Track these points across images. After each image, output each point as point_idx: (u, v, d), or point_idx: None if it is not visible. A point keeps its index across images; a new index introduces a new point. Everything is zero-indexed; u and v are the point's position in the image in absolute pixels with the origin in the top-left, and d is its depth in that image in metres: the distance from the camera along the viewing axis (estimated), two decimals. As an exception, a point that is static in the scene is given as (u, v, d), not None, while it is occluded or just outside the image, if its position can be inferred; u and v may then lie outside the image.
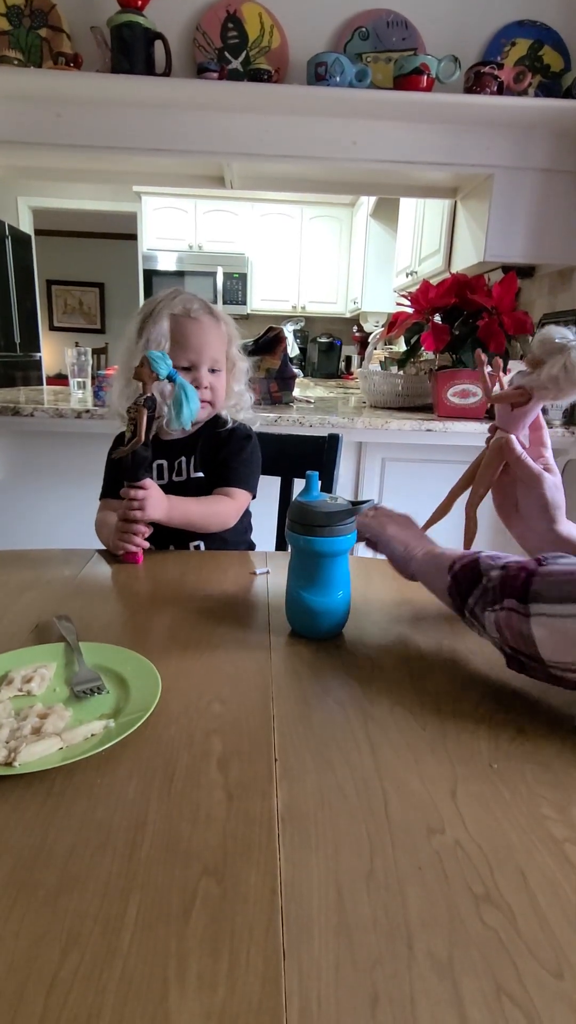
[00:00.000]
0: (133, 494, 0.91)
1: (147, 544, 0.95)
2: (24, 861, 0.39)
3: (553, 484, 0.71)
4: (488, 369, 0.76)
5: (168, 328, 1.05)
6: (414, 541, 0.75)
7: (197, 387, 1.08)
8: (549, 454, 0.74)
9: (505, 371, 2.00)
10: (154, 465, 1.11)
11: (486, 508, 0.77)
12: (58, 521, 1.99)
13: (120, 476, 0.94)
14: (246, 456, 1.12)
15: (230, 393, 1.14)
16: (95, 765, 0.47)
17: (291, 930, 0.34)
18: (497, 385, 0.76)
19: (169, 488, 1.09)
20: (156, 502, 0.93)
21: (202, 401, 1.09)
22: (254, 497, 1.13)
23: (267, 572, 0.91)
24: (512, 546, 0.79)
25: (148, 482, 0.92)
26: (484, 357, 0.73)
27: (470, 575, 0.60)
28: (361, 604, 0.79)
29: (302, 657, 0.66)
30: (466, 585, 0.61)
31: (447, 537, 0.85)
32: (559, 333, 0.67)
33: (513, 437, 0.72)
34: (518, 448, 0.72)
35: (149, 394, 0.89)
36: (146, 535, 0.95)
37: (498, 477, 0.76)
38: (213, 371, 1.09)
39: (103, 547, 1.00)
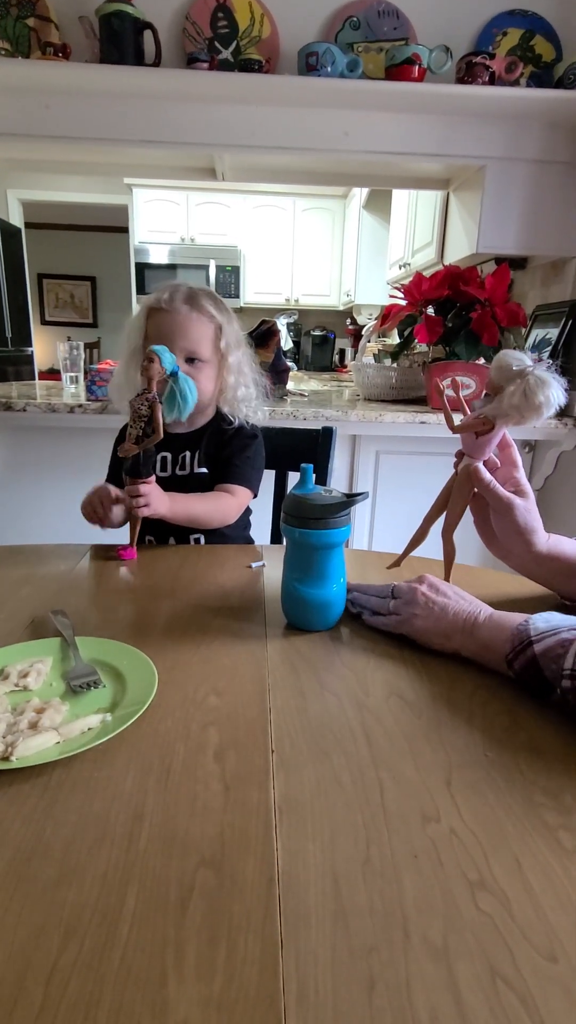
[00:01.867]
0: (139, 491, 0.91)
1: (116, 521, 0.96)
2: (23, 853, 0.39)
3: (524, 508, 0.70)
4: (449, 393, 0.75)
5: (143, 321, 1.05)
6: (467, 612, 0.65)
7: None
8: (520, 474, 0.74)
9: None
10: (157, 458, 1.11)
11: (468, 529, 0.78)
12: (52, 516, 1.99)
13: (125, 469, 0.93)
14: (250, 454, 1.12)
15: (225, 387, 1.13)
16: (92, 758, 0.48)
17: (288, 918, 0.35)
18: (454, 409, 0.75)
19: (172, 481, 1.09)
20: (159, 498, 0.93)
21: None
22: (255, 495, 1.13)
23: (262, 565, 0.91)
24: (497, 563, 0.80)
25: (152, 479, 0.93)
26: (442, 386, 0.73)
27: (535, 678, 0.55)
28: (356, 596, 0.79)
29: (298, 649, 0.66)
30: (535, 687, 0.56)
31: (429, 563, 0.86)
32: (516, 359, 0.67)
33: (480, 465, 0.72)
34: (486, 476, 0.72)
35: (156, 390, 0.88)
36: (115, 515, 0.98)
37: (473, 501, 0.76)
38: (190, 361, 1.06)
39: (98, 542, 0.99)
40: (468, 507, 0.77)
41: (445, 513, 0.78)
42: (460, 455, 0.76)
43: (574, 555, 0.72)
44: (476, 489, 0.74)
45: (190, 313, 1.06)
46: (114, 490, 0.97)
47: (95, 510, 0.98)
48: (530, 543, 0.71)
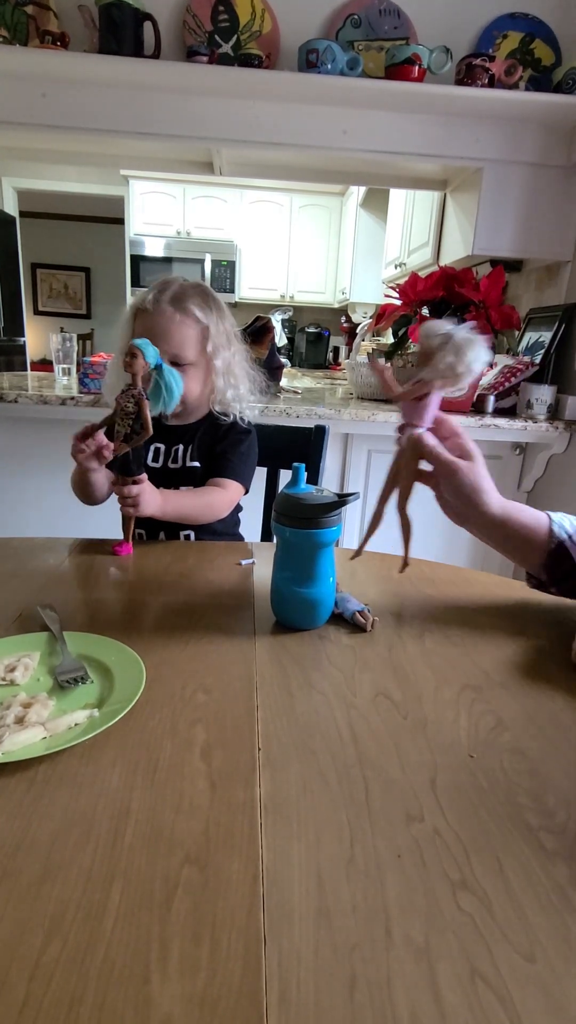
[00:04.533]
0: (127, 491, 0.90)
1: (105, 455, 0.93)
2: (7, 849, 0.39)
3: (468, 468, 0.72)
4: (386, 366, 0.76)
5: (130, 319, 1.05)
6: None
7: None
8: (464, 439, 0.75)
9: (492, 365, 2.01)
10: (150, 448, 1.10)
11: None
12: (42, 509, 1.98)
13: (115, 468, 0.92)
14: (243, 449, 1.12)
15: (214, 389, 1.11)
16: (79, 754, 0.48)
17: (272, 916, 0.35)
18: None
19: (163, 474, 1.09)
20: (150, 498, 0.92)
21: None
22: (247, 491, 1.12)
23: (252, 562, 0.91)
24: (487, 564, 0.80)
25: (143, 477, 0.91)
26: (380, 361, 0.75)
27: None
28: (345, 596, 0.79)
29: (286, 647, 0.66)
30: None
31: (388, 536, 0.86)
32: (440, 326, 0.71)
33: (424, 432, 0.74)
34: (430, 441, 0.74)
35: (142, 385, 0.87)
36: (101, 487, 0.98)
37: (424, 474, 0.77)
38: (174, 364, 1.02)
39: (88, 535, 0.99)
40: (419, 479, 0.78)
41: (397, 488, 0.78)
42: (402, 429, 0.77)
43: (526, 520, 0.74)
44: (423, 456, 0.75)
45: (174, 315, 1.03)
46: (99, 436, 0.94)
47: (80, 444, 0.95)
48: (478, 503, 0.72)
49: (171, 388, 0.90)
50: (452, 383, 0.71)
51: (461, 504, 0.74)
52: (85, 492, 1.05)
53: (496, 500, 0.73)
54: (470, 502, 0.73)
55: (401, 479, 0.77)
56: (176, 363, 1.03)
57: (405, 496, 0.77)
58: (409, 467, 0.76)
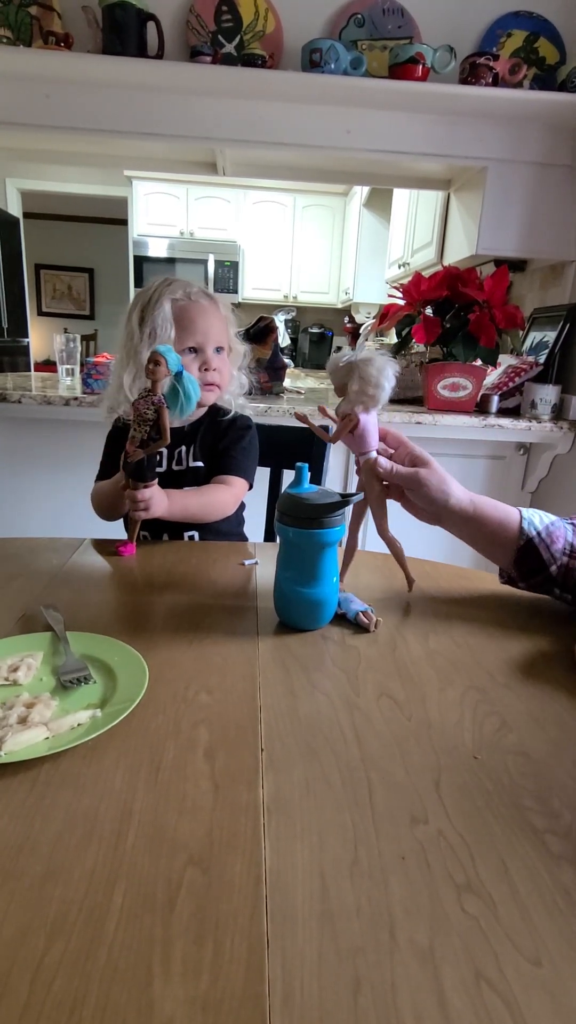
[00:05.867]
0: (139, 495, 0.90)
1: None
2: (9, 850, 0.39)
3: (428, 476, 0.75)
4: (317, 422, 0.82)
5: (171, 312, 1.04)
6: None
7: (206, 369, 1.07)
8: (413, 447, 0.79)
9: (495, 365, 2.01)
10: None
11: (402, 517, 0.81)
12: (45, 509, 1.98)
13: (127, 472, 0.91)
14: (245, 445, 1.13)
15: (230, 377, 1.14)
16: (81, 755, 0.48)
17: (275, 918, 0.35)
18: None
19: (168, 477, 1.09)
20: (159, 500, 0.92)
21: (211, 384, 1.08)
22: (251, 487, 1.13)
23: (255, 563, 0.91)
24: (489, 565, 0.82)
25: (154, 481, 0.91)
26: (306, 413, 0.80)
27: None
28: (349, 596, 0.79)
29: (289, 648, 0.66)
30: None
31: (384, 563, 0.87)
32: (339, 358, 0.75)
33: (375, 456, 0.78)
34: (385, 463, 0.77)
35: (163, 391, 0.87)
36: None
37: (387, 490, 0.80)
38: (218, 352, 1.09)
39: (91, 535, 0.99)
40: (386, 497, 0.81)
41: (372, 516, 0.81)
42: (357, 460, 0.81)
43: (497, 516, 0.76)
44: (383, 479, 0.78)
45: (211, 306, 1.08)
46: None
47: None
48: (447, 502, 0.75)
49: (189, 395, 0.89)
50: (371, 404, 0.76)
51: (434, 508, 0.77)
52: (113, 508, 1.05)
53: (464, 495, 0.76)
54: (440, 503, 0.76)
55: (371, 506, 0.81)
56: (219, 349, 1.09)
57: (382, 521, 0.82)
58: (372, 492, 0.80)
